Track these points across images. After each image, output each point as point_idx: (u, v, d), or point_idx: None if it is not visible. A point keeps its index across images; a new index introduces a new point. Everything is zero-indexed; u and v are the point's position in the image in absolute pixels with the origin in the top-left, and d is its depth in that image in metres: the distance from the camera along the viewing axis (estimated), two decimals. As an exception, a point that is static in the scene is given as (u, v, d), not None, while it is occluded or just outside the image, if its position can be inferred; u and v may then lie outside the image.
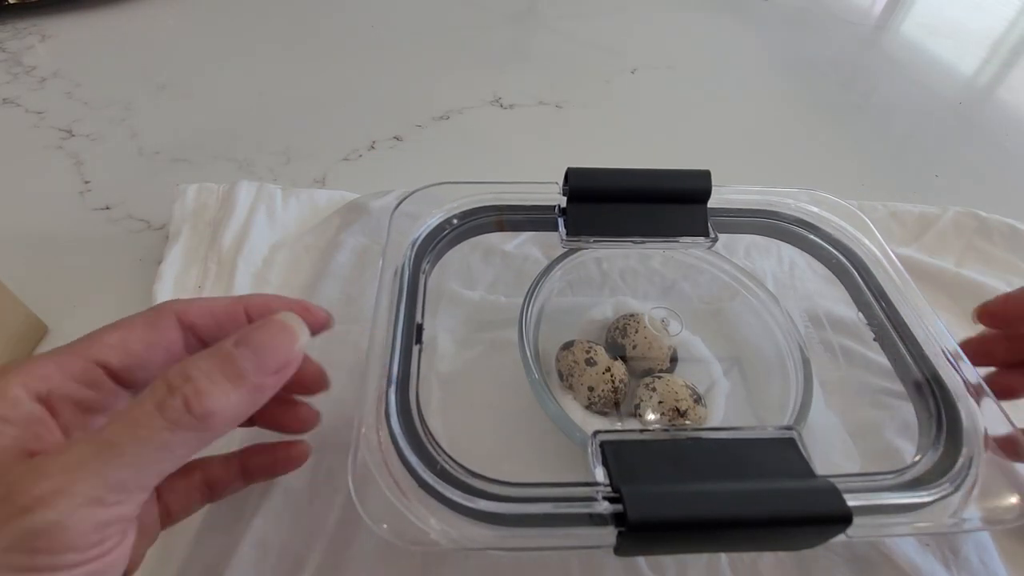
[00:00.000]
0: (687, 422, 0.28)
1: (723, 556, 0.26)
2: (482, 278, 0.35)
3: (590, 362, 0.29)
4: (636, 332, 0.31)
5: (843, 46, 0.72)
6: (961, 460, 0.22)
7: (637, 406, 0.29)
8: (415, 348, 0.25)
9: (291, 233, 0.38)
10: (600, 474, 0.21)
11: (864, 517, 0.20)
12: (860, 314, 0.29)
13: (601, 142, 0.53)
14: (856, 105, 0.61)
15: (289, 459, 0.24)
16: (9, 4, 0.60)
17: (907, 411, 0.26)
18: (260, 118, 0.51)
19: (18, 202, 0.42)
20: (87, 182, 0.44)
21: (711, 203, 0.30)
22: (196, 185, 0.40)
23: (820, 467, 0.22)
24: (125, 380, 0.19)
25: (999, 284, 0.38)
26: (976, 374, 0.25)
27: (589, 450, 0.22)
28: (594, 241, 0.30)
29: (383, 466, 0.20)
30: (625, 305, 0.33)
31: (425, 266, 0.28)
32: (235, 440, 0.25)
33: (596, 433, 0.22)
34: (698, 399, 0.29)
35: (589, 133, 0.54)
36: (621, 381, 0.29)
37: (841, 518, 0.19)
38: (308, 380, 0.23)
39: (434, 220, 0.30)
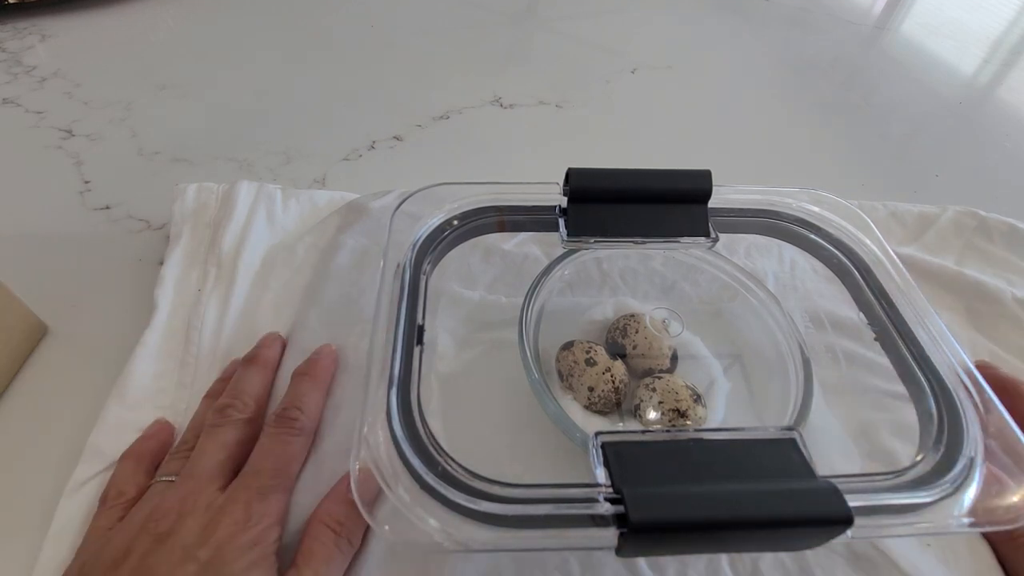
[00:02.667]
0: (687, 422, 0.28)
1: (723, 556, 0.26)
2: (482, 278, 0.35)
3: (590, 362, 0.29)
4: (636, 332, 0.31)
5: (843, 46, 0.72)
6: (962, 460, 0.22)
7: (637, 406, 0.29)
8: (416, 349, 0.25)
9: (291, 234, 0.38)
10: (601, 475, 0.21)
11: (865, 518, 0.20)
12: (861, 314, 0.29)
13: (601, 142, 0.53)
14: (856, 105, 0.61)
15: None
16: (9, 4, 0.60)
17: (908, 411, 0.26)
18: (260, 118, 0.51)
19: (18, 202, 0.42)
20: (87, 182, 0.44)
21: (712, 203, 0.30)
22: (196, 185, 0.39)
23: (821, 468, 0.22)
24: None
25: (999, 283, 0.38)
26: (977, 374, 0.25)
27: (591, 451, 0.22)
28: (595, 241, 0.30)
29: (384, 467, 0.20)
30: (625, 305, 0.33)
31: (426, 267, 0.28)
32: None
33: (598, 434, 0.22)
34: (698, 399, 0.29)
35: (589, 133, 0.54)
36: (621, 381, 0.29)
37: (842, 519, 0.19)
38: None
39: (435, 221, 0.30)
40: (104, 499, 0.25)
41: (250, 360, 0.30)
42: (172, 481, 0.25)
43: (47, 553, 0.25)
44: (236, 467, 0.25)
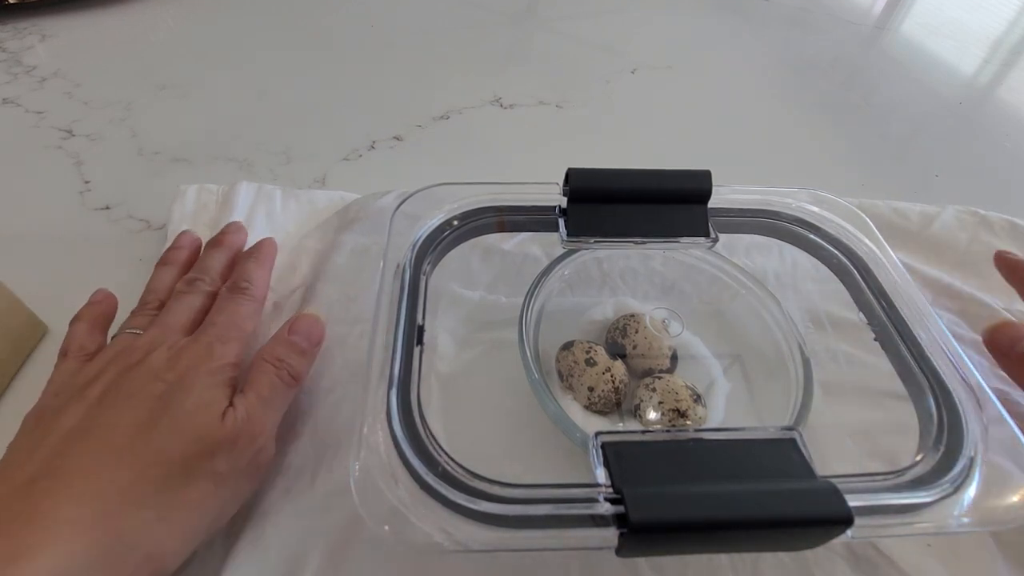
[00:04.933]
0: (687, 422, 0.28)
1: (723, 556, 0.26)
2: (482, 278, 0.35)
3: (590, 362, 0.29)
4: (636, 332, 0.31)
5: (843, 46, 0.72)
6: (962, 460, 0.22)
7: (637, 406, 0.29)
8: (416, 349, 0.25)
9: (291, 235, 0.38)
10: (601, 475, 0.21)
11: (865, 518, 0.20)
12: (861, 314, 0.29)
13: (601, 142, 0.53)
14: (856, 105, 0.61)
15: None
16: (9, 4, 0.60)
17: (908, 411, 0.26)
18: (260, 118, 0.51)
19: (18, 202, 0.42)
20: (87, 182, 0.44)
21: (711, 203, 0.30)
22: (196, 186, 0.39)
23: (821, 468, 0.22)
24: None
25: (1000, 283, 0.38)
26: (977, 374, 0.25)
27: (591, 451, 0.22)
28: (595, 242, 0.30)
29: (384, 467, 0.20)
30: (625, 305, 0.33)
31: (426, 267, 0.28)
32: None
33: (598, 434, 0.22)
34: (698, 399, 0.29)
35: (589, 133, 0.53)
36: (621, 381, 0.29)
37: (842, 519, 0.19)
38: None
39: (435, 221, 0.30)
40: (65, 352, 0.27)
41: (216, 243, 0.33)
42: (139, 333, 0.27)
43: None
44: (198, 327, 0.28)
